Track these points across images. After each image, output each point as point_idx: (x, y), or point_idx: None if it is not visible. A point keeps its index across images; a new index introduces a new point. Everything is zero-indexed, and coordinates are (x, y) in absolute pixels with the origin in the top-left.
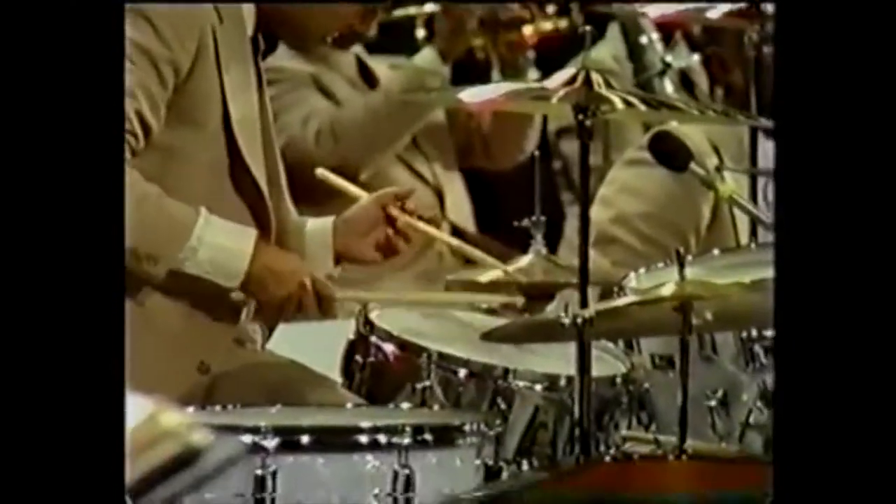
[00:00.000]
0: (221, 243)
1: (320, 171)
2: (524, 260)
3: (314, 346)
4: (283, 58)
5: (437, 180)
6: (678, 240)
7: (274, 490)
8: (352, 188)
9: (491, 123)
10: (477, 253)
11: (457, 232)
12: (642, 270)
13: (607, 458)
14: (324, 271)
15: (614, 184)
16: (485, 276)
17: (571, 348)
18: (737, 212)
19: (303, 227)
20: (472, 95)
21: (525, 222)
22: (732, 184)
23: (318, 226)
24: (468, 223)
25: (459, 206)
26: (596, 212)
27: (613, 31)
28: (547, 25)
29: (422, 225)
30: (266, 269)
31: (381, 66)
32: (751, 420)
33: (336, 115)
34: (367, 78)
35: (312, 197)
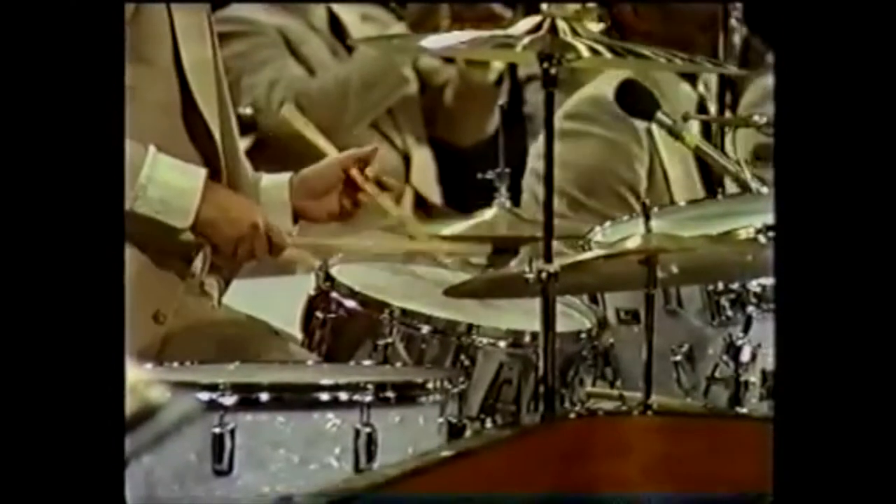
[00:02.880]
0: (171, 181)
1: (287, 109)
2: (488, 213)
3: (273, 301)
4: (251, 8)
5: (405, 145)
6: (618, 205)
7: (232, 448)
8: (313, 134)
9: (454, 100)
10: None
11: (420, 200)
12: (608, 224)
13: (572, 415)
14: (282, 228)
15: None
16: (448, 230)
17: (536, 304)
18: (669, 171)
19: (258, 182)
20: (434, 42)
21: (489, 174)
22: (698, 134)
23: (273, 182)
24: (432, 190)
25: (424, 173)
26: (531, 185)
27: None
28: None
29: (378, 194)
30: (218, 209)
31: (352, 16)
32: (716, 374)
33: (303, 86)
34: (338, 31)
35: (273, 158)
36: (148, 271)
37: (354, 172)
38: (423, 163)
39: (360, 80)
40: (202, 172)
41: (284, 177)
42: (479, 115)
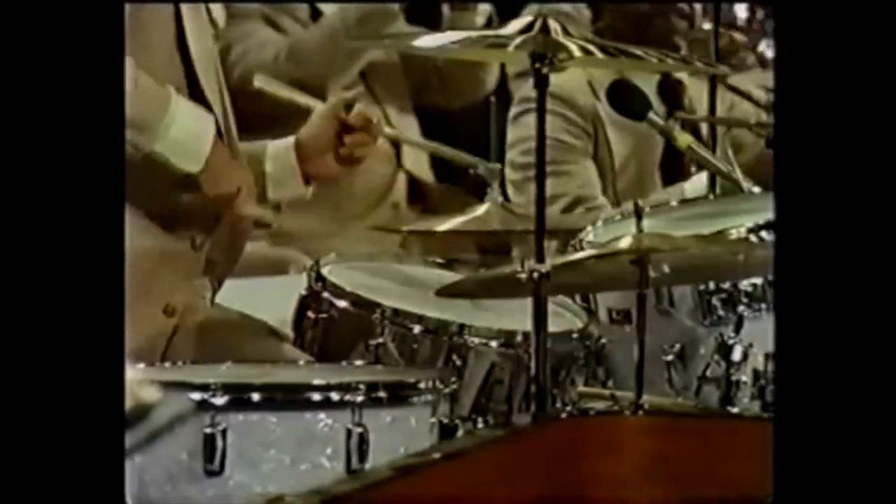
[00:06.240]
0: (189, 123)
1: (258, 79)
2: (480, 209)
3: (265, 301)
4: None
5: (392, 128)
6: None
7: (224, 448)
8: (294, 94)
9: (447, 59)
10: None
11: (414, 182)
12: (600, 223)
13: (563, 415)
14: (294, 194)
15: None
16: (442, 226)
17: (527, 304)
18: (614, 146)
19: (263, 150)
20: (426, 42)
21: (480, 170)
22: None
23: (279, 148)
24: (425, 172)
25: (416, 155)
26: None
27: None
28: None
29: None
30: (222, 157)
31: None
32: (707, 374)
33: (292, 38)
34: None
35: (272, 127)
36: (158, 264)
37: (347, 117)
38: (414, 144)
39: (356, 15)
40: (212, 118)
41: (289, 141)
42: (476, 67)
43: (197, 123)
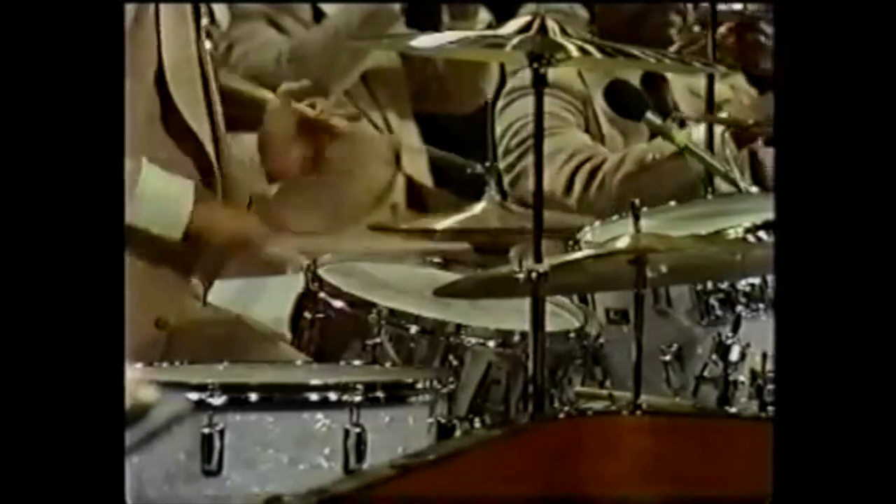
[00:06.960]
0: (164, 192)
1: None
2: (478, 207)
3: (263, 301)
4: None
5: (390, 130)
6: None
7: (221, 448)
8: (247, 87)
9: (447, 66)
10: None
11: (413, 185)
12: (598, 223)
13: (561, 415)
14: (258, 191)
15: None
16: (439, 224)
17: (525, 303)
18: (604, 126)
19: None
20: (424, 42)
21: (479, 168)
22: (687, 133)
23: (241, 147)
24: (424, 176)
25: (415, 159)
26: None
27: None
28: None
29: (337, 120)
30: (211, 213)
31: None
32: (705, 374)
33: (295, 39)
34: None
35: None
36: (150, 279)
37: (307, 111)
38: (413, 149)
39: (359, 16)
40: (191, 184)
41: (252, 139)
42: (476, 75)
43: (172, 190)
